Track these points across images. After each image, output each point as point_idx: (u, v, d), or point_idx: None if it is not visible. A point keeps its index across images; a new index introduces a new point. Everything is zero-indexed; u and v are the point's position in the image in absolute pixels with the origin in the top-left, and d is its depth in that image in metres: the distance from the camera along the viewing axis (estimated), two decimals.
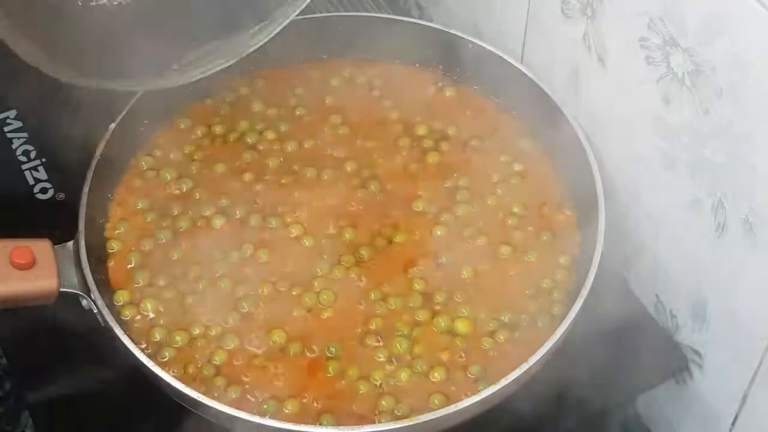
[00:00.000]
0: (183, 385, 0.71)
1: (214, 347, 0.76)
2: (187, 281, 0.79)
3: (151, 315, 0.78)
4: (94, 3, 0.81)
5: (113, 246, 0.82)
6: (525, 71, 0.89)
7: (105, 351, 0.76)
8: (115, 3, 0.80)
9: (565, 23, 0.84)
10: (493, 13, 0.96)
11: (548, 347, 0.72)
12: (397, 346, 0.76)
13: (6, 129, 0.98)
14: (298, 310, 0.78)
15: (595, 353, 0.83)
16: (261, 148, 0.89)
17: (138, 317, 0.77)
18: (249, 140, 0.89)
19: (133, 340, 0.73)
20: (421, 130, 0.90)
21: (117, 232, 0.83)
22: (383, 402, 0.73)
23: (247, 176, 0.86)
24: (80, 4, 0.79)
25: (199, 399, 0.70)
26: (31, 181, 0.94)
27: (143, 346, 0.75)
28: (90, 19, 0.81)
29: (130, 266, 0.81)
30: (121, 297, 0.78)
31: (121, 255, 0.81)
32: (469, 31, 1.00)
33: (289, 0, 0.78)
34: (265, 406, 0.73)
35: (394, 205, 0.85)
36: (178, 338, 0.76)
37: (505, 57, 0.90)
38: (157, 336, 0.76)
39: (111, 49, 0.80)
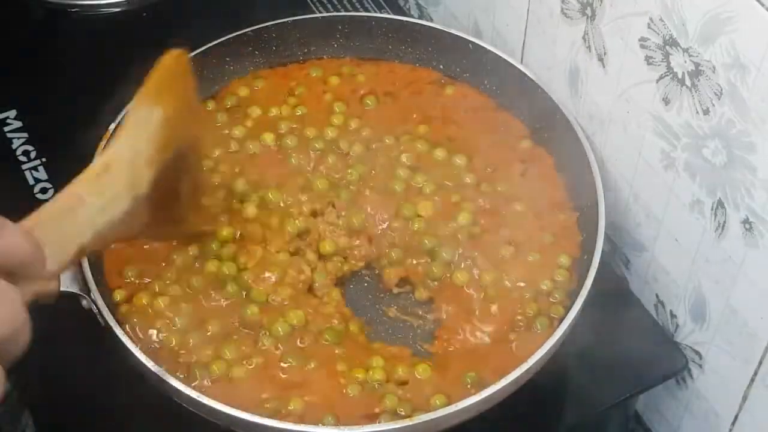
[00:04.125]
0: (183, 385, 0.70)
1: (214, 347, 0.76)
2: (187, 281, 0.79)
3: (151, 314, 0.77)
4: None
5: (113, 245, 0.81)
6: (525, 71, 0.89)
7: (105, 351, 0.76)
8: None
9: (564, 23, 0.84)
10: (493, 13, 0.96)
11: (548, 347, 0.72)
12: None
13: (6, 129, 0.98)
14: (299, 311, 0.78)
15: (596, 353, 0.83)
16: (261, 148, 0.88)
17: (138, 317, 0.77)
18: (249, 141, 0.89)
19: (132, 340, 0.73)
20: (420, 130, 0.90)
21: None
22: (385, 402, 0.73)
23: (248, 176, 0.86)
24: None
25: (199, 399, 0.70)
26: (31, 181, 0.94)
27: (143, 346, 0.75)
28: None
29: (130, 265, 0.80)
30: (121, 297, 0.78)
31: (122, 254, 0.81)
32: (469, 31, 1.00)
33: None
34: (266, 406, 0.73)
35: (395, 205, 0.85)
36: (178, 337, 0.76)
37: (505, 57, 0.90)
38: (158, 336, 0.76)
39: None
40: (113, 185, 0.62)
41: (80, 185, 0.62)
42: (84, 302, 0.75)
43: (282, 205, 0.83)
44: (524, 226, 0.83)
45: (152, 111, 0.64)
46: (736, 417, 0.82)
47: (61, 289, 0.74)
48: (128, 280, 0.79)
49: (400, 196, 0.84)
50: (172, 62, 0.67)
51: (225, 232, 0.80)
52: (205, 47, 0.91)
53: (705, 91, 0.70)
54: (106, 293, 0.77)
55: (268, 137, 0.88)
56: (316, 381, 0.74)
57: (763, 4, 0.62)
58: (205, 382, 0.73)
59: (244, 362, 0.75)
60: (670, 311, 0.85)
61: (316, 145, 0.88)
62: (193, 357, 0.75)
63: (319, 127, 0.89)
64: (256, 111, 0.91)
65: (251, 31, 0.93)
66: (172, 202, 0.71)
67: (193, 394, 0.70)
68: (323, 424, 0.71)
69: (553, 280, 0.80)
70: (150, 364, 0.71)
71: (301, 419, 0.71)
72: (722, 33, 0.66)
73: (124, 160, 0.63)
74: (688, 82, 0.72)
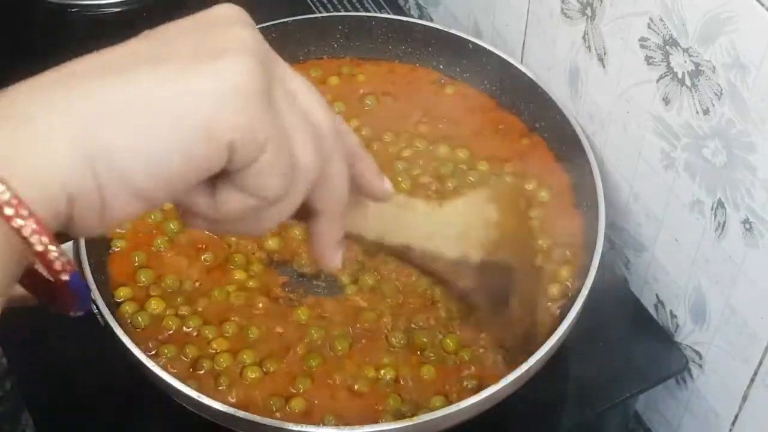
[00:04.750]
0: (183, 385, 0.70)
1: (215, 347, 0.76)
2: (190, 281, 0.79)
3: (153, 315, 0.77)
4: None
5: (118, 245, 0.81)
6: (525, 71, 0.89)
7: (105, 351, 0.76)
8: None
9: (564, 23, 0.84)
10: (493, 13, 0.96)
11: (548, 347, 0.72)
12: (398, 343, 0.76)
13: None
14: (302, 311, 0.78)
15: (596, 353, 0.83)
16: None
17: (139, 317, 0.77)
18: None
19: (133, 340, 0.73)
20: (421, 130, 0.90)
21: (120, 231, 0.82)
22: (389, 401, 0.73)
23: None
24: None
25: (199, 399, 0.70)
26: None
27: (143, 346, 0.75)
28: None
29: (134, 265, 0.80)
30: (123, 296, 0.78)
31: (125, 254, 0.81)
32: (469, 31, 1.00)
33: None
34: (266, 406, 0.73)
35: None
36: (179, 336, 0.76)
37: (505, 57, 0.90)
38: (158, 335, 0.76)
39: None
40: (443, 226, 0.61)
41: (417, 200, 0.61)
42: None
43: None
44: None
45: (487, 207, 0.64)
46: (736, 417, 0.82)
47: None
48: (141, 285, 0.79)
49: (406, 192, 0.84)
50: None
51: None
52: None
53: (705, 91, 0.70)
54: (106, 293, 0.77)
55: None
56: (321, 380, 0.74)
57: (763, 4, 0.62)
58: (204, 382, 0.74)
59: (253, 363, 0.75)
60: (670, 311, 0.85)
61: None
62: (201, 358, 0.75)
63: None
64: None
65: None
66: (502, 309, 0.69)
67: (194, 394, 0.70)
68: (324, 424, 0.71)
69: (553, 280, 0.80)
70: (150, 364, 0.71)
71: (302, 418, 0.71)
72: (722, 33, 0.66)
73: (458, 219, 0.62)
74: (688, 82, 0.72)
